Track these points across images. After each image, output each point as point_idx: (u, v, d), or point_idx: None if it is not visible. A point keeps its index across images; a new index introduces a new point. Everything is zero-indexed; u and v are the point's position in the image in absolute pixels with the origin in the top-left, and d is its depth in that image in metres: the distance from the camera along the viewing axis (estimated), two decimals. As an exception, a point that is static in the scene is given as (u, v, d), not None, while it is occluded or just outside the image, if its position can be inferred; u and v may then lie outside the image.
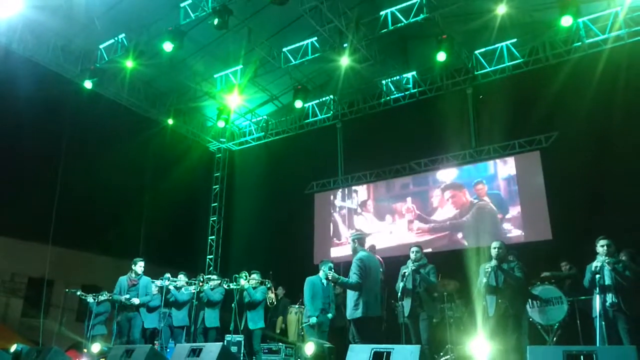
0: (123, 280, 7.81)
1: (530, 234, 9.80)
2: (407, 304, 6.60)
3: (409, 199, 11.58)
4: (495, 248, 6.15)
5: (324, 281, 7.35)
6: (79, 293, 9.43)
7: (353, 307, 5.86)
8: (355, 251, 6.16)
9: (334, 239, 12.43)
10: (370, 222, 11.98)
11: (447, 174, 11.27)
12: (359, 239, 6.22)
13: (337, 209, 12.64)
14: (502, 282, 5.88)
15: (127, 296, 7.58)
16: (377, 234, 11.53)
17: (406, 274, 6.63)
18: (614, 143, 8.75)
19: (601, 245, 5.66)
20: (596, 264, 5.58)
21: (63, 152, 11.53)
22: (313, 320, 6.99)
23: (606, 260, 5.53)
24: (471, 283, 6.85)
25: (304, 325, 7.31)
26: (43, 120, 11.02)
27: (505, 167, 10.57)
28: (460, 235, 10.61)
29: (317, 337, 6.66)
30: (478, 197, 10.63)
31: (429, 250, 10.20)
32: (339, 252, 12.09)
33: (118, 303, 7.64)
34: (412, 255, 6.75)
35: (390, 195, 11.91)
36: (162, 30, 9.64)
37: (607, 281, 5.49)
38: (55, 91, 11.03)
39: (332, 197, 12.85)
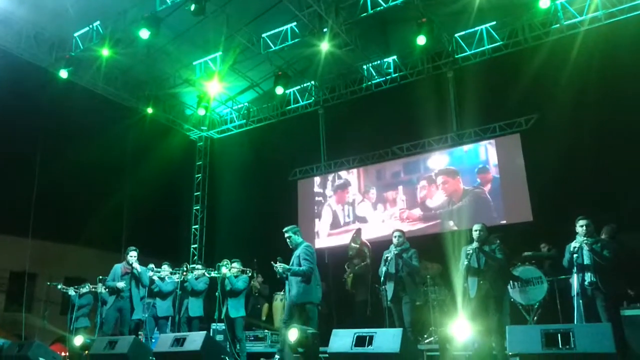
0: (117, 267, 7.73)
1: (511, 216, 9.91)
2: (390, 288, 6.65)
3: (400, 188, 11.57)
4: (476, 230, 6.19)
5: None
6: (60, 287, 9.34)
7: (302, 293, 5.94)
8: (295, 241, 6.24)
9: (319, 226, 12.42)
10: (363, 211, 11.94)
11: (438, 161, 11.25)
12: (297, 231, 6.34)
13: (323, 197, 12.59)
14: (484, 264, 5.93)
15: (122, 284, 7.48)
16: (368, 223, 11.55)
17: (389, 258, 6.67)
18: (594, 125, 8.83)
19: (580, 225, 5.72)
20: (575, 244, 5.65)
21: (40, 144, 11.31)
22: None
23: (585, 241, 5.60)
24: (454, 266, 6.93)
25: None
26: (18, 110, 10.77)
27: (495, 152, 10.59)
28: (451, 222, 10.63)
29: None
30: (482, 183, 10.59)
31: (419, 235, 10.29)
32: (325, 241, 12.11)
33: (111, 289, 7.56)
34: (395, 240, 6.78)
35: (381, 183, 11.87)
36: (138, 17, 9.45)
37: (586, 261, 5.56)
38: (29, 81, 10.79)
39: (315, 184, 12.82)
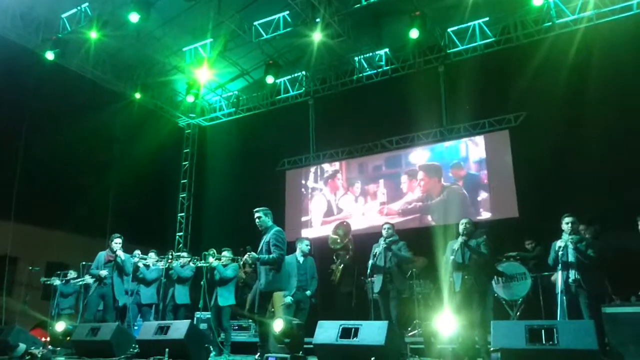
0: (101, 255, 7.63)
1: (497, 211, 9.97)
2: (378, 280, 6.67)
3: (381, 181, 11.58)
4: (463, 224, 6.23)
5: (300, 259, 7.44)
6: (43, 280, 9.21)
7: (272, 281, 5.82)
8: (265, 224, 6.04)
9: (312, 215, 12.40)
10: (345, 203, 11.94)
11: (419, 156, 11.27)
12: (268, 213, 6.13)
13: (309, 190, 12.56)
14: (468, 258, 5.96)
15: (105, 272, 7.39)
16: (351, 216, 11.56)
17: (377, 252, 6.70)
18: (582, 124, 8.89)
19: (566, 223, 5.78)
20: (560, 243, 5.71)
21: (25, 125, 11.08)
22: (288, 299, 7.05)
23: (569, 240, 5.66)
24: (439, 260, 6.95)
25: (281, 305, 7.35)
26: (2, 91, 10.53)
27: (477, 149, 10.64)
28: (429, 217, 10.70)
29: (293, 315, 6.73)
30: (455, 179, 10.65)
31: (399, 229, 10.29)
32: (311, 231, 12.10)
33: (95, 277, 7.48)
34: (384, 232, 6.81)
35: (363, 176, 11.87)
36: (128, 0, 9.28)
37: (571, 258, 5.62)
38: (15, 61, 10.53)
39: (303, 175, 12.77)
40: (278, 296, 8.70)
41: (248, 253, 5.95)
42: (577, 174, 8.89)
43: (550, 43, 9.84)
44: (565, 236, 5.73)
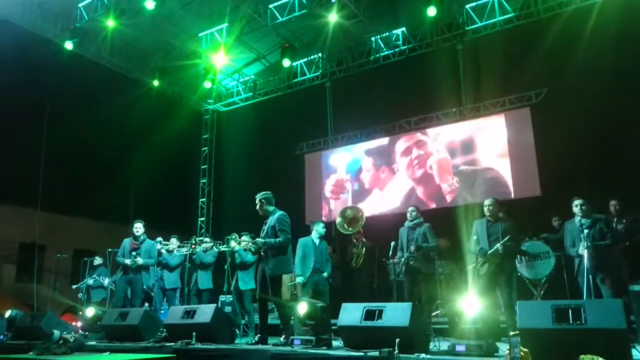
0: (126, 242, 7.78)
1: (519, 190, 9.86)
2: (402, 262, 6.69)
3: (400, 162, 11.43)
4: (487, 206, 6.21)
5: (317, 241, 7.48)
6: (74, 286, 9.40)
7: (279, 265, 5.88)
8: (267, 210, 6.05)
9: (325, 200, 12.42)
10: (367, 184, 11.89)
11: (439, 136, 11.11)
12: (270, 199, 6.13)
13: (331, 171, 12.51)
14: (494, 241, 5.99)
15: (129, 261, 7.56)
16: (371, 196, 11.54)
17: (403, 235, 6.74)
18: (604, 99, 8.70)
19: (575, 205, 5.82)
20: (573, 224, 5.78)
21: (46, 116, 11.27)
22: (300, 279, 7.34)
23: (582, 222, 5.69)
24: (462, 240, 6.93)
25: (289, 285, 7.48)
26: (24, 82, 10.67)
27: (497, 127, 10.45)
28: (450, 198, 10.59)
29: (309, 296, 6.79)
30: (476, 158, 10.49)
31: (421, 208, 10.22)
32: (334, 205, 12.12)
33: (121, 265, 7.65)
34: (409, 215, 6.82)
35: (383, 159, 11.73)
36: (143, -13, 9.31)
37: (583, 242, 5.57)
38: (35, 52, 10.67)
39: (322, 158, 12.75)
40: (286, 279, 8.85)
41: (254, 239, 6.00)
42: (600, 151, 8.72)
43: (570, 16, 9.58)
44: (577, 218, 5.70)
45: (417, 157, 11.27)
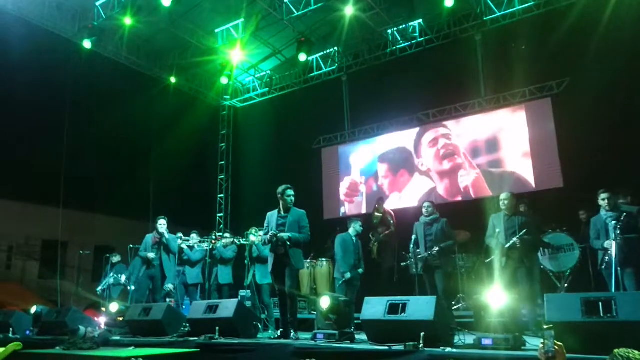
0: (149, 237, 7.89)
1: (541, 182, 9.70)
2: (422, 256, 6.65)
3: (421, 156, 11.33)
4: (502, 200, 6.16)
5: (354, 238, 7.52)
6: (98, 290, 9.52)
7: (300, 260, 5.98)
8: (290, 206, 5.99)
9: (343, 195, 12.37)
10: (387, 190, 11.79)
11: (458, 128, 10.97)
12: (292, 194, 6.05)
13: (345, 172, 12.44)
14: (511, 235, 5.95)
15: (152, 254, 7.63)
16: (390, 199, 11.47)
17: (417, 229, 6.72)
18: (627, 88, 8.50)
19: (602, 199, 5.75)
20: (599, 217, 5.72)
21: (67, 115, 11.41)
22: (347, 275, 7.43)
23: (609, 215, 5.62)
24: (482, 233, 6.85)
25: (338, 281, 7.53)
26: (44, 82, 10.85)
27: (518, 118, 10.29)
28: (472, 190, 10.45)
29: (344, 292, 6.85)
30: (496, 150, 10.35)
31: (440, 203, 10.14)
32: (348, 208, 12.09)
33: (143, 260, 7.76)
34: (424, 211, 6.77)
35: (402, 153, 11.62)
36: (160, -15, 9.33)
37: (612, 233, 5.51)
38: (54, 52, 10.81)
39: (339, 152, 12.69)
40: (306, 273, 8.88)
41: (280, 234, 5.87)
42: (624, 142, 8.52)
43: (589, 3, 9.35)
44: (603, 212, 5.61)
45: (444, 147, 11.07)
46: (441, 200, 10.43)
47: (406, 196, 11.32)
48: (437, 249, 6.51)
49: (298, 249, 5.95)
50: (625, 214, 5.60)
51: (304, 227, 5.96)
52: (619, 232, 5.41)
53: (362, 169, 12.17)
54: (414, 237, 6.72)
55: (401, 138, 11.70)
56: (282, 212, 6.05)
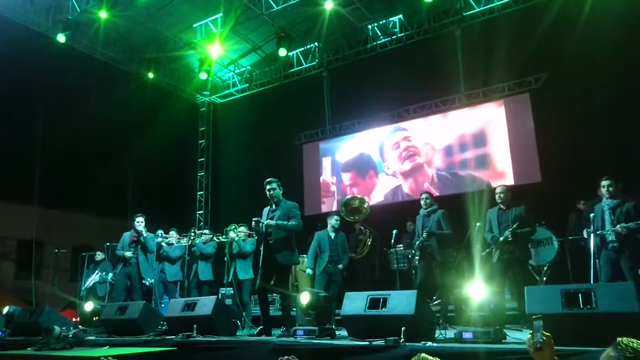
0: (126, 235, 7.75)
1: (519, 176, 9.77)
2: (415, 246, 6.63)
3: (400, 150, 11.32)
4: (498, 193, 6.16)
5: (332, 234, 7.47)
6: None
7: (289, 255, 5.89)
8: (278, 196, 6.01)
9: (324, 191, 12.32)
10: (369, 174, 11.79)
11: (439, 123, 11.00)
12: (280, 185, 6.08)
13: (329, 162, 12.39)
14: (504, 229, 5.99)
15: (129, 253, 7.49)
16: (375, 185, 11.45)
17: (418, 221, 6.74)
18: (606, 83, 8.58)
19: (603, 186, 5.59)
20: (598, 206, 5.63)
21: (41, 110, 11.13)
22: (309, 272, 7.56)
23: (608, 203, 5.52)
24: (466, 228, 6.85)
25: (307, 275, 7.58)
26: (17, 77, 10.53)
27: (497, 113, 10.35)
28: (453, 186, 10.50)
29: (323, 287, 6.78)
30: (476, 145, 10.39)
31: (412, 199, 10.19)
32: (330, 204, 12.04)
33: (120, 258, 7.63)
34: (422, 203, 6.73)
35: (384, 148, 11.63)
36: (136, -23, 9.14)
37: (609, 222, 5.46)
38: (26, 46, 10.50)
39: (320, 148, 12.62)
40: (300, 270, 8.79)
41: (264, 221, 5.87)
42: (602, 136, 8.61)
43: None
44: (604, 200, 5.56)
45: (418, 145, 11.13)
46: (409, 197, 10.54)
47: (374, 196, 11.41)
48: (425, 234, 6.45)
49: (290, 245, 5.90)
50: (627, 202, 5.48)
51: (294, 217, 5.93)
52: (616, 221, 5.35)
53: (332, 169, 12.22)
54: (395, 232, 6.69)
55: (383, 134, 11.71)
56: (272, 206, 6.07)
